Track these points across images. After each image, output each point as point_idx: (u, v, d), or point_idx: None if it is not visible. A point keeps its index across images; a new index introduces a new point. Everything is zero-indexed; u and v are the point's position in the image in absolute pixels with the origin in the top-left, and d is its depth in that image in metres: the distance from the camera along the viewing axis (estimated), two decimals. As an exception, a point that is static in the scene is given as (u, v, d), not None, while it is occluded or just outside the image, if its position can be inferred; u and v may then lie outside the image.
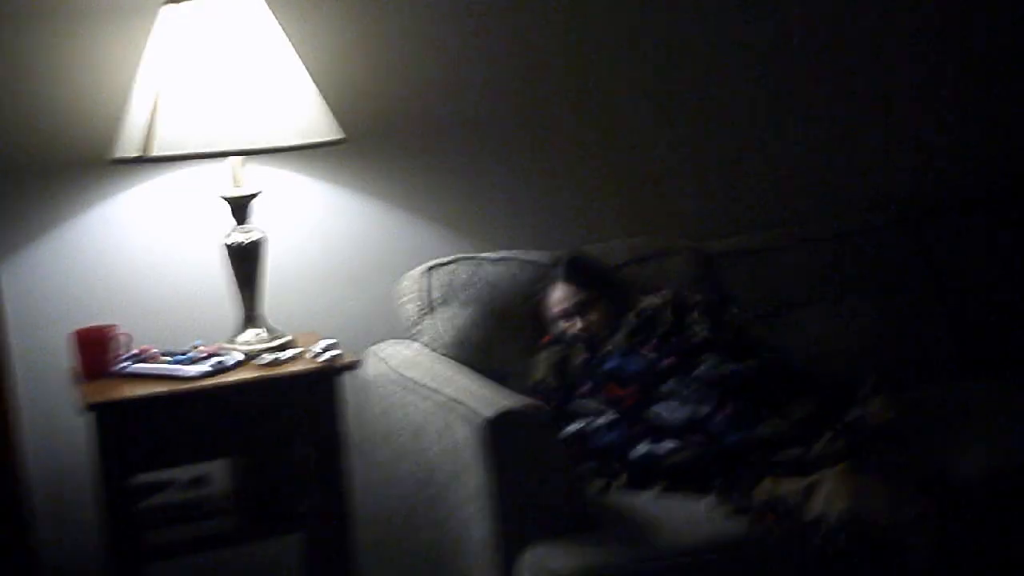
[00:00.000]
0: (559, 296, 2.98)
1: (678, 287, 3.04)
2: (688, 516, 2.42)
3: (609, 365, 2.81)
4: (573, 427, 2.72)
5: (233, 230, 2.73)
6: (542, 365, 2.90)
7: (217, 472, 2.83)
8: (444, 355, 2.92)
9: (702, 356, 2.78)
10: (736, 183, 3.56)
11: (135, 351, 2.68)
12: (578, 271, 3.01)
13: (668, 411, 2.68)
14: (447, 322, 2.96)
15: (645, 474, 2.57)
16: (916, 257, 3.41)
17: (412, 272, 3.04)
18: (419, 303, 2.99)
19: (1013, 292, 3.37)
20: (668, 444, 2.60)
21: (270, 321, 2.80)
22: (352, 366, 2.70)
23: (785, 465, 2.49)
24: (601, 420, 2.72)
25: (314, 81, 2.75)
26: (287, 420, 2.65)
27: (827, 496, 2.35)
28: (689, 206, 3.49)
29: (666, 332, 2.86)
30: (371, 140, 3.08)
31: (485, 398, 2.47)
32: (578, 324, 2.95)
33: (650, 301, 2.96)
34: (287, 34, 2.75)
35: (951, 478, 2.50)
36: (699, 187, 3.52)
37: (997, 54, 3.85)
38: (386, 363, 2.86)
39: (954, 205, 3.54)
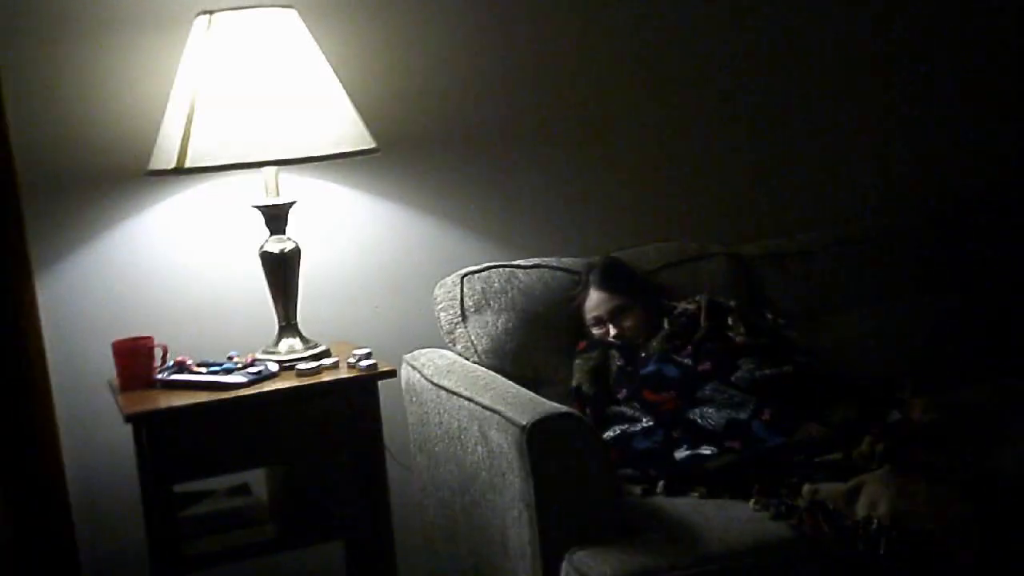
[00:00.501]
0: (593, 303, 2.98)
1: (712, 292, 3.03)
2: (728, 521, 2.40)
3: (645, 371, 2.80)
4: (610, 433, 2.72)
5: (268, 240, 2.74)
6: (578, 371, 2.89)
7: (256, 481, 2.85)
8: (478, 363, 2.92)
9: (738, 361, 2.77)
10: (768, 186, 3.55)
11: (172, 361, 2.69)
12: (612, 277, 3.00)
13: (706, 416, 2.67)
14: (481, 330, 2.96)
15: (684, 479, 2.56)
16: (953, 257, 3.38)
17: (445, 280, 3.04)
18: (452, 311, 2.99)
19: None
20: (707, 449, 2.60)
21: (304, 331, 2.81)
22: (390, 374, 2.70)
23: (826, 469, 2.48)
24: (638, 426, 2.71)
25: (347, 91, 2.76)
26: (326, 428, 2.66)
27: (870, 499, 2.34)
28: (721, 210, 3.48)
29: (702, 338, 2.86)
30: (404, 149, 3.09)
31: (521, 406, 2.46)
32: (611, 331, 2.94)
33: (685, 307, 2.96)
34: (320, 44, 2.77)
35: (995, 479, 2.48)
36: (731, 190, 3.51)
37: (1012, 56, 3.82)
38: (421, 372, 2.86)
39: (991, 204, 3.52)
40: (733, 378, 2.73)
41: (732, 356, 2.79)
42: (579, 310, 3.00)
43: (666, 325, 2.91)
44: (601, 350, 2.91)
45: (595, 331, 2.97)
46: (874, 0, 3.64)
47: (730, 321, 2.90)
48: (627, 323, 2.95)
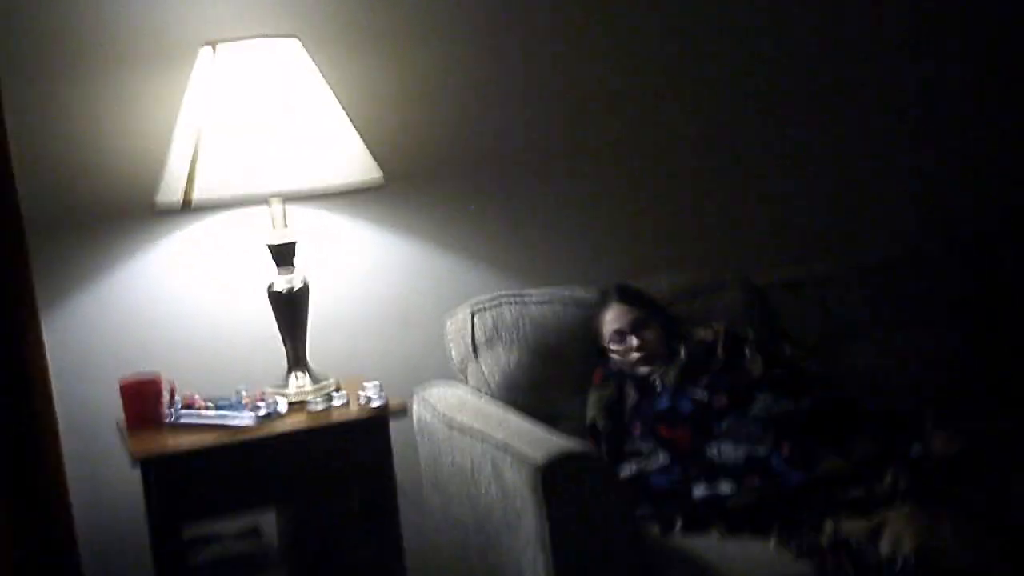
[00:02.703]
0: (613, 315, 2.94)
1: (729, 321, 2.99)
2: (750, 559, 2.35)
3: (661, 406, 2.76)
4: (627, 471, 2.67)
5: (276, 277, 2.71)
6: (592, 407, 2.84)
7: (268, 522, 2.81)
8: (491, 397, 2.88)
9: (756, 394, 2.72)
10: (783, 213, 3.51)
11: (180, 400, 2.65)
12: (631, 294, 2.98)
13: (724, 452, 2.62)
14: (493, 363, 2.92)
15: (703, 518, 2.51)
16: (971, 284, 3.34)
17: (456, 313, 3.00)
18: (464, 345, 2.95)
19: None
20: (726, 486, 2.55)
21: (314, 365, 2.77)
22: (401, 411, 2.66)
23: (848, 505, 2.42)
24: (655, 463, 2.67)
25: (352, 122, 2.73)
26: (336, 468, 2.62)
27: (895, 536, 2.28)
28: (735, 238, 3.45)
29: (719, 369, 2.81)
30: (412, 181, 3.06)
31: (535, 441, 2.42)
32: (633, 342, 2.89)
33: (702, 335, 2.91)
34: (324, 75, 2.74)
35: (1022, 513, 2.42)
36: (745, 218, 3.47)
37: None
38: (433, 407, 2.82)
39: (1009, 229, 3.47)
40: (751, 412, 2.68)
41: (749, 389, 2.74)
42: (598, 328, 2.96)
43: (682, 353, 2.86)
44: (615, 384, 2.86)
45: (614, 348, 2.92)
46: (891, 30, 3.61)
47: (747, 352, 2.85)
48: (648, 335, 2.90)
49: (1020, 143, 3.75)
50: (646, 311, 2.94)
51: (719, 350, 2.86)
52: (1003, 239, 3.45)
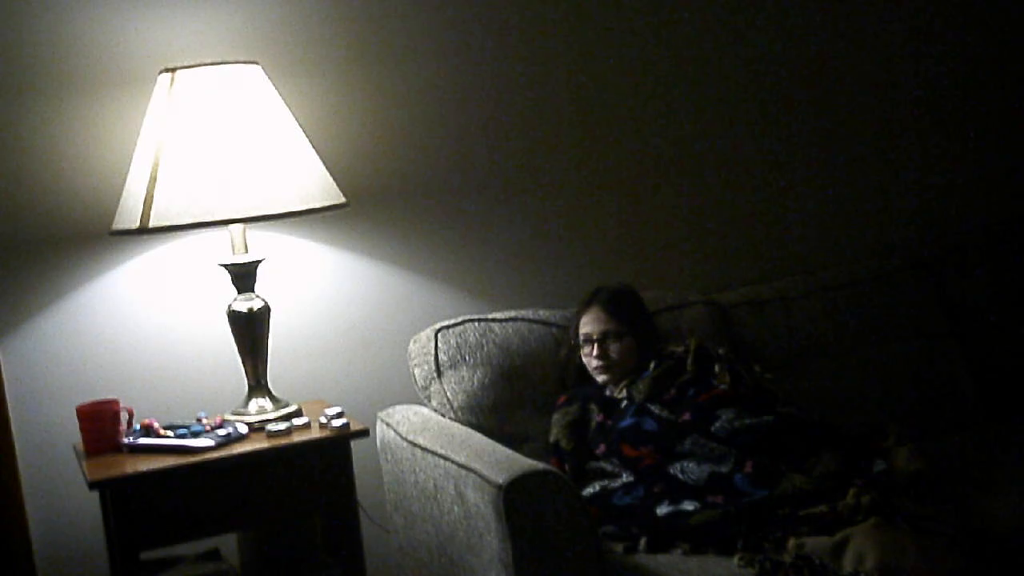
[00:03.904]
0: (589, 319, 2.91)
1: (700, 338, 2.98)
2: (712, 579, 2.35)
3: (623, 424, 2.75)
4: (590, 489, 2.66)
5: (236, 299, 2.69)
6: (555, 426, 2.83)
7: (227, 545, 2.78)
8: (455, 419, 2.87)
9: (718, 411, 2.72)
10: (746, 233, 3.53)
11: (139, 425, 2.63)
12: (618, 302, 2.93)
13: (687, 471, 2.61)
14: (456, 386, 2.91)
15: (666, 536, 2.50)
16: (931, 302, 3.36)
17: (419, 335, 2.99)
18: (427, 367, 2.93)
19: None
20: (690, 504, 2.54)
21: (275, 390, 2.76)
22: (362, 433, 2.64)
23: (811, 522, 2.42)
24: (618, 482, 2.66)
25: (314, 146, 2.72)
26: (298, 490, 2.60)
27: (857, 553, 2.28)
28: (699, 258, 3.46)
29: (685, 382, 2.80)
30: (374, 203, 3.06)
31: (498, 464, 2.40)
32: (594, 351, 2.88)
33: (673, 349, 2.90)
34: (285, 99, 2.73)
35: (985, 530, 2.43)
36: (709, 239, 3.48)
37: (1003, 95, 3.83)
38: (395, 429, 2.80)
39: (966, 247, 3.50)
40: (713, 429, 2.68)
41: (713, 406, 2.74)
42: (576, 325, 2.94)
43: (651, 367, 2.85)
44: (579, 404, 2.85)
45: (580, 352, 2.91)
46: (845, 48, 3.65)
47: (716, 369, 2.85)
48: (613, 350, 2.87)
49: (976, 161, 3.79)
50: (625, 325, 2.91)
51: (688, 364, 2.85)
52: (961, 258, 3.47)
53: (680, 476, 2.61)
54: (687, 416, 2.73)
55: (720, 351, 2.92)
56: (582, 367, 2.93)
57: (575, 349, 2.94)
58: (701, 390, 2.78)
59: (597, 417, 2.81)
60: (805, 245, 3.58)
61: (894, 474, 2.58)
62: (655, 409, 2.75)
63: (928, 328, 3.32)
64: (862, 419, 2.93)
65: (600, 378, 2.88)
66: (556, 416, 2.85)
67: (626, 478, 2.66)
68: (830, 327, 3.24)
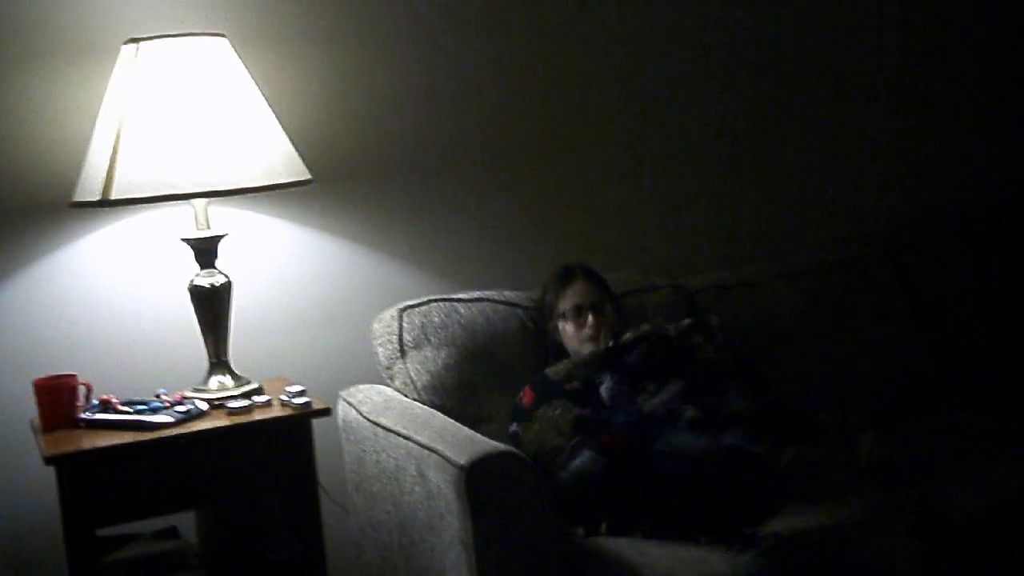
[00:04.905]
0: (577, 290, 2.91)
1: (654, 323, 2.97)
2: (673, 561, 2.33)
3: (601, 416, 2.70)
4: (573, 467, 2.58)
5: (197, 274, 2.66)
6: (529, 443, 2.68)
7: (186, 523, 2.76)
8: (417, 400, 2.85)
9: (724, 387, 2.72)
10: (712, 218, 3.52)
11: (97, 400, 2.60)
12: (595, 274, 2.97)
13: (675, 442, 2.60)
14: (420, 365, 2.89)
15: (628, 520, 2.49)
16: (895, 288, 3.38)
17: (383, 315, 2.97)
18: (391, 346, 2.91)
19: (994, 318, 3.34)
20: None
21: (237, 367, 2.73)
22: (324, 412, 2.62)
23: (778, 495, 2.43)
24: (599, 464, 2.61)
25: (280, 122, 2.69)
26: (257, 468, 2.57)
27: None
28: (666, 242, 3.45)
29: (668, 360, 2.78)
30: (339, 180, 3.03)
31: (460, 445, 2.39)
32: (590, 320, 2.87)
33: (628, 336, 2.87)
34: (252, 73, 2.70)
35: (944, 517, 2.43)
36: (675, 223, 3.48)
37: (971, 83, 3.85)
38: (357, 409, 2.78)
39: (932, 233, 3.52)
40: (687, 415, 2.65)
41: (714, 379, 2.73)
42: (551, 303, 2.93)
43: (632, 357, 2.79)
44: (552, 404, 2.71)
45: (565, 325, 2.89)
46: (810, 31, 3.65)
47: (695, 338, 2.84)
48: (604, 319, 2.89)
49: (941, 148, 3.80)
50: (607, 294, 2.94)
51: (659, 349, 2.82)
52: (922, 242, 3.48)
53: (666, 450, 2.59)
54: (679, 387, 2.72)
55: (671, 329, 2.89)
56: (558, 345, 2.92)
57: (547, 327, 2.93)
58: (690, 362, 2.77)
59: (572, 412, 2.70)
60: (771, 230, 3.58)
61: (859, 459, 2.58)
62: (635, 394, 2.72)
63: (892, 314, 3.33)
64: (826, 404, 2.93)
65: (588, 348, 2.86)
66: (535, 426, 2.69)
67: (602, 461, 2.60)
68: (795, 312, 3.25)
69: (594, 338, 2.87)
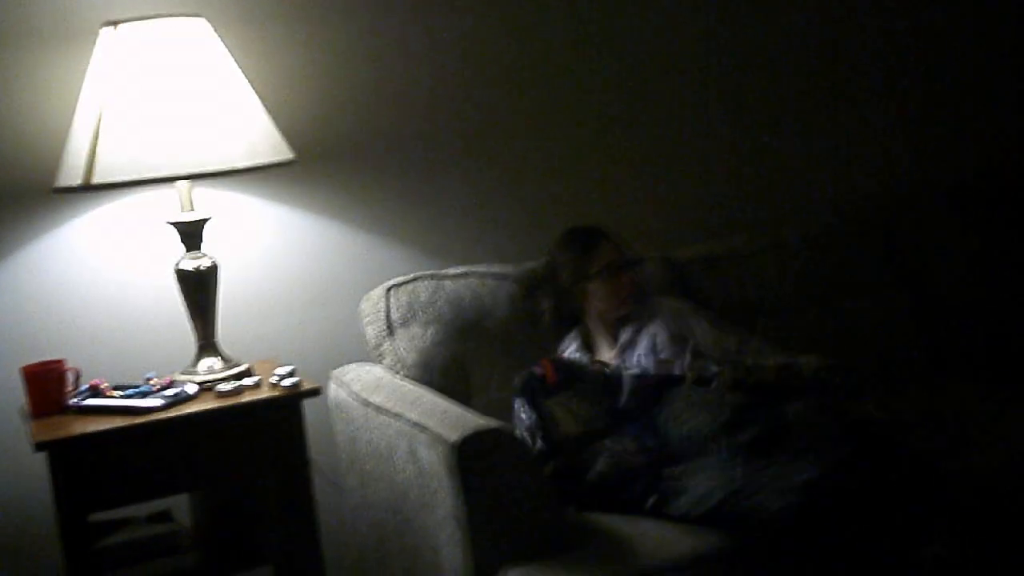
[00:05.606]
0: (607, 250, 2.88)
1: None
2: (664, 534, 2.35)
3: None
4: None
5: (184, 257, 2.65)
6: (564, 417, 2.65)
7: (179, 506, 2.76)
8: (407, 377, 2.85)
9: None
10: (699, 190, 3.52)
11: (86, 386, 2.59)
12: (612, 235, 2.94)
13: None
14: (409, 343, 2.89)
15: (595, 498, 2.50)
16: (881, 258, 3.38)
17: (371, 293, 2.97)
18: (379, 325, 2.91)
19: (982, 290, 3.34)
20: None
21: (226, 349, 2.73)
22: (313, 392, 2.62)
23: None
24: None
25: (263, 102, 2.68)
26: (249, 450, 2.58)
27: None
28: (653, 214, 3.45)
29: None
30: (324, 160, 3.02)
31: (450, 421, 2.39)
32: (625, 279, 2.87)
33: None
34: (232, 54, 2.69)
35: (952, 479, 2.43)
36: (663, 195, 3.47)
37: (958, 57, 3.84)
38: (348, 388, 2.78)
39: (919, 205, 3.51)
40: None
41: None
42: (578, 267, 2.88)
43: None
44: (572, 390, 2.68)
45: (598, 286, 2.87)
46: (797, 4, 3.63)
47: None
48: (637, 276, 2.92)
49: (930, 121, 3.80)
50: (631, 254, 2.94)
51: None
52: (910, 214, 3.48)
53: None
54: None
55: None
56: (574, 309, 2.91)
57: (566, 292, 2.90)
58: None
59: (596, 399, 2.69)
60: (758, 202, 3.57)
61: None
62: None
63: (879, 285, 3.33)
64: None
65: (621, 312, 2.87)
66: (559, 411, 2.66)
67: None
68: (782, 284, 3.25)
69: (627, 302, 2.87)
